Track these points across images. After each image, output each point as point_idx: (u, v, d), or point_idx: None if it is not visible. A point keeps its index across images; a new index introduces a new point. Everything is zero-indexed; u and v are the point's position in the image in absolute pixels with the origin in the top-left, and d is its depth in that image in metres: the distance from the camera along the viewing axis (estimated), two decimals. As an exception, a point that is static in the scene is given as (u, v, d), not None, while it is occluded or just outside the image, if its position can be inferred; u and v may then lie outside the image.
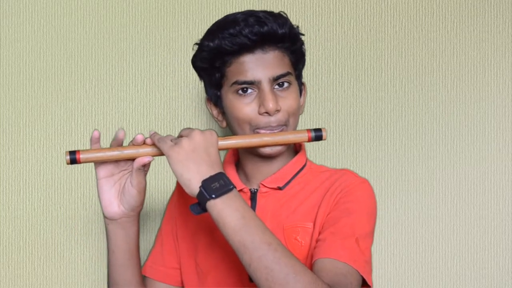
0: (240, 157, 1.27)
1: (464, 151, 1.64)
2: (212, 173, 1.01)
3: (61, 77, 1.61)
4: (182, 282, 1.29)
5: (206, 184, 1.00)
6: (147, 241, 1.57)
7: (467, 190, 1.64)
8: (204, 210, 1.01)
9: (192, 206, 1.03)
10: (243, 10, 1.58)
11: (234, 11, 1.58)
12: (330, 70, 1.63)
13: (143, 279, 1.24)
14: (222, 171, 1.03)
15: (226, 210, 0.99)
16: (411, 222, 1.63)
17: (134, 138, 1.09)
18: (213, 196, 0.99)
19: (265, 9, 1.26)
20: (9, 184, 1.60)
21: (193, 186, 1.01)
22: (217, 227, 1.01)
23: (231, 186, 1.01)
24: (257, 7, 1.58)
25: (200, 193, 1.00)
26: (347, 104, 1.63)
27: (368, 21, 1.64)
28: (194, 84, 1.62)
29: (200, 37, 1.60)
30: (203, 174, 1.01)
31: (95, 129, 1.11)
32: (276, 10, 1.20)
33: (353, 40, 1.64)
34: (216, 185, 1.00)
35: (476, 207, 1.64)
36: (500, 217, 1.64)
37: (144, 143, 1.09)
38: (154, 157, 1.09)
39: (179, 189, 1.31)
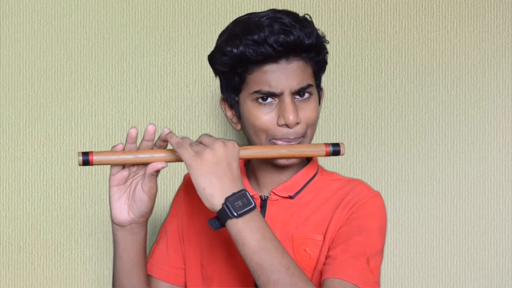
0: (251, 162, 1.24)
1: (464, 151, 1.64)
2: (235, 190, 1.00)
3: (61, 77, 1.61)
4: (186, 282, 1.28)
5: (230, 202, 0.98)
6: (150, 242, 1.57)
7: (467, 190, 1.64)
8: (223, 225, 1.00)
9: (211, 221, 1.01)
10: (243, 10, 1.60)
11: (234, 11, 1.60)
12: (330, 70, 1.63)
13: (148, 278, 1.23)
14: (243, 187, 1.01)
15: (246, 230, 0.98)
16: (411, 222, 1.63)
17: (146, 130, 1.06)
18: (235, 215, 0.98)
19: (265, 8, 1.26)
20: (9, 184, 1.60)
21: (215, 202, 0.99)
22: (235, 245, 1.00)
23: (253, 205, 0.99)
24: (257, 8, 1.58)
25: (222, 210, 0.99)
26: (347, 104, 1.63)
27: (368, 21, 1.64)
28: (194, 84, 1.62)
29: (200, 37, 1.61)
30: (226, 191, 0.99)
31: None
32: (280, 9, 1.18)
33: (353, 40, 1.64)
34: (239, 204, 0.98)
35: (476, 207, 1.64)
36: (500, 217, 1.64)
37: (159, 139, 1.06)
38: (168, 163, 1.06)
39: (185, 188, 1.30)
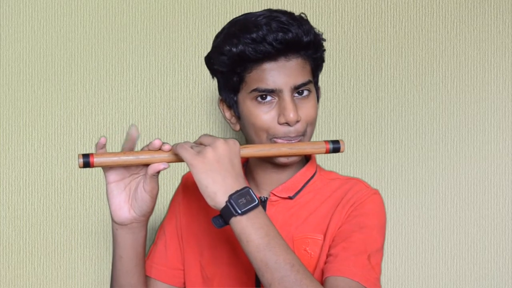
0: (249, 163, 1.24)
1: (464, 151, 1.64)
2: (238, 187, 0.99)
3: (61, 77, 1.61)
4: (185, 283, 1.27)
5: (234, 199, 0.98)
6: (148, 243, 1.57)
7: (467, 190, 1.64)
8: (227, 223, 1.00)
9: (214, 219, 1.01)
10: (243, 10, 1.60)
11: (234, 11, 1.60)
12: (330, 70, 1.63)
13: (146, 279, 1.23)
14: (246, 185, 1.01)
15: (250, 227, 0.97)
16: (411, 222, 1.63)
17: (151, 143, 1.05)
18: (239, 212, 0.97)
19: (266, 8, 1.26)
20: (9, 184, 1.60)
21: (219, 199, 0.98)
22: (239, 244, 0.99)
23: (257, 202, 0.99)
24: (257, 8, 1.58)
25: (226, 207, 0.98)
26: (347, 104, 1.63)
27: (368, 21, 1.64)
28: (194, 84, 1.62)
29: (200, 37, 1.61)
30: (229, 188, 0.98)
31: (102, 136, 1.07)
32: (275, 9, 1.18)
33: (353, 40, 1.64)
34: (243, 201, 0.97)
35: (476, 207, 1.64)
36: (500, 217, 1.64)
37: (160, 149, 1.05)
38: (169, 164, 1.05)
39: (183, 189, 1.29)
